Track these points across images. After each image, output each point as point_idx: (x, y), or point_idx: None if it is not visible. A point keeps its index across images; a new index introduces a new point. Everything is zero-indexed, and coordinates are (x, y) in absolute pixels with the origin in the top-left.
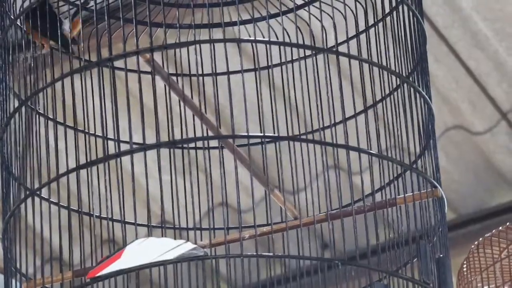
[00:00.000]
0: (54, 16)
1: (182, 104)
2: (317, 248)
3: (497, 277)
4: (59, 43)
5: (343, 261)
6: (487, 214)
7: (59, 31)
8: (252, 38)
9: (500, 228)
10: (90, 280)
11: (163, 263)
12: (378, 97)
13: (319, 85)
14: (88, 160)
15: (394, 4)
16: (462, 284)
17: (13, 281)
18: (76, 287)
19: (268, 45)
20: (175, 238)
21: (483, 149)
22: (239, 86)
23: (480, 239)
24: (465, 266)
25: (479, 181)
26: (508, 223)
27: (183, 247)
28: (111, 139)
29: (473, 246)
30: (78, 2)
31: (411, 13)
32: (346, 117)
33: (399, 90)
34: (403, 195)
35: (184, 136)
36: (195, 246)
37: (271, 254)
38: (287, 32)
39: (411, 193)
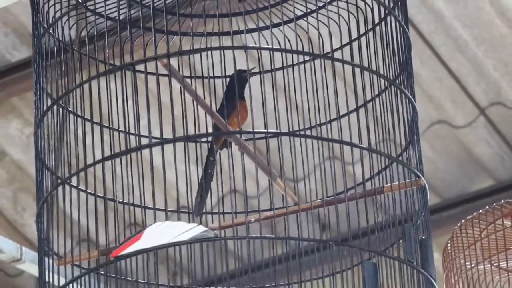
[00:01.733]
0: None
1: (195, 103)
2: (316, 230)
3: (477, 255)
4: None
5: (337, 243)
6: (468, 199)
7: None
8: (257, 45)
9: (480, 211)
10: (114, 258)
11: (178, 244)
12: (369, 97)
13: (317, 86)
14: (112, 152)
15: (382, 15)
16: (447, 261)
17: (46, 259)
18: (101, 265)
19: (271, 51)
20: (189, 222)
21: (464, 141)
22: (246, 87)
23: (463, 221)
24: (449, 245)
25: (461, 169)
26: (487, 207)
27: (195, 229)
28: (132, 133)
29: (456, 227)
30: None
31: (397, 23)
32: (340, 114)
33: (387, 91)
34: (390, 184)
35: (197, 132)
36: (206, 228)
37: (273, 236)
38: (288, 40)
39: (398, 182)
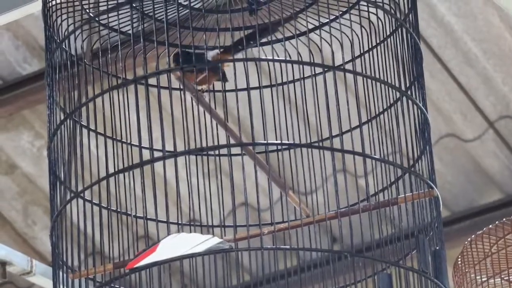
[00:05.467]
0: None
1: (208, 115)
2: (324, 242)
3: (488, 270)
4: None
5: (352, 253)
6: (477, 212)
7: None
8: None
9: (490, 226)
10: (129, 271)
11: (193, 256)
12: (381, 109)
13: (328, 98)
14: (126, 166)
15: (394, 27)
16: (458, 275)
17: (60, 272)
18: (116, 277)
19: (283, 64)
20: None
21: (473, 154)
22: (258, 100)
23: (473, 236)
24: (459, 260)
25: (470, 182)
26: (497, 222)
27: (210, 241)
28: (145, 147)
29: (466, 242)
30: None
31: (409, 35)
32: (353, 126)
33: (399, 103)
34: (403, 195)
35: (210, 144)
36: (221, 240)
37: (287, 247)
38: (299, 54)
39: (411, 193)
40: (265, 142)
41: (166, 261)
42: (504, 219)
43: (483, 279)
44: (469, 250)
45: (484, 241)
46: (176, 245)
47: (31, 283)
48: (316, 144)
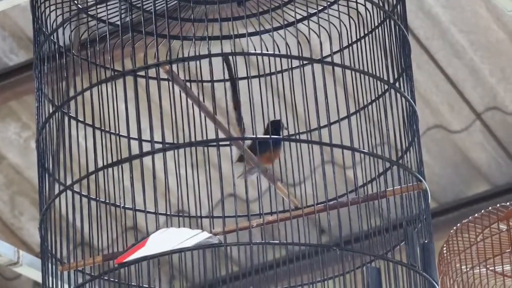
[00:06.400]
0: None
1: (196, 108)
2: (312, 233)
3: (473, 258)
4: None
5: (340, 247)
6: (464, 203)
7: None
8: (257, 48)
9: (476, 215)
10: (118, 265)
11: (182, 250)
12: (369, 100)
13: (316, 90)
14: (115, 157)
15: (382, 18)
16: (442, 264)
17: (49, 264)
18: (106, 271)
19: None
20: (190, 226)
21: (460, 145)
22: (246, 91)
23: (458, 224)
24: (445, 248)
25: (457, 174)
26: (483, 211)
27: (200, 236)
28: (134, 138)
29: (452, 231)
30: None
31: (397, 27)
32: (340, 118)
33: (387, 94)
34: (392, 188)
35: (199, 137)
36: (210, 235)
37: (277, 242)
38: (287, 45)
39: (399, 186)
40: (254, 136)
41: (156, 255)
42: (490, 208)
43: (468, 268)
44: (455, 239)
45: (469, 230)
46: (165, 239)
47: (18, 274)
48: (305, 138)
